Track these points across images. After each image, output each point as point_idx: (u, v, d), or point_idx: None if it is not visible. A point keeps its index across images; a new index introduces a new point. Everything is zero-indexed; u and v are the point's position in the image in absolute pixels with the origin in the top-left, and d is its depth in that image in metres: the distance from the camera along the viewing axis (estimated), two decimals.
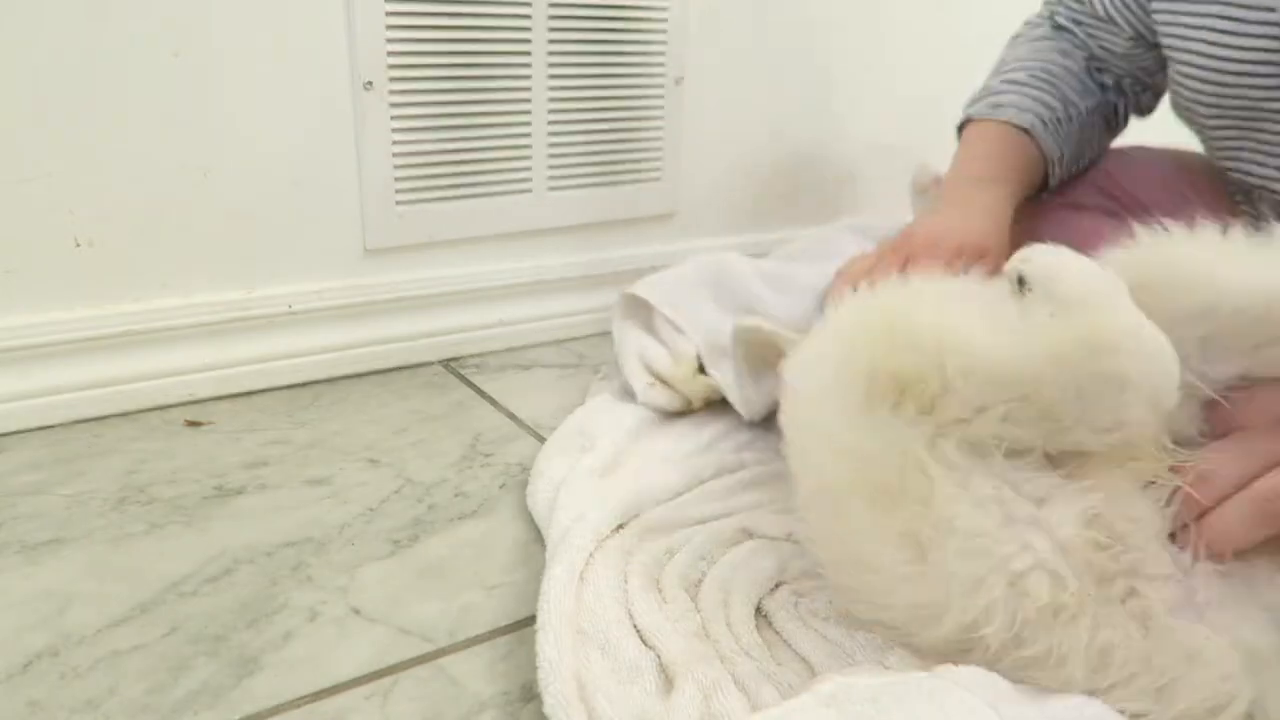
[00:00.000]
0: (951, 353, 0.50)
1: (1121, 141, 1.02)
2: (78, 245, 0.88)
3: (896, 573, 0.52)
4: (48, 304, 0.88)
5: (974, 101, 0.95)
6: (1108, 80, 0.94)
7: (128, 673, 0.58)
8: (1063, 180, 0.94)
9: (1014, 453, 0.51)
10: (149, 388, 0.92)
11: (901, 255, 0.78)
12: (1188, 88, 0.81)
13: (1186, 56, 0.80)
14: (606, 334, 1.17)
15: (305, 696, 0.56)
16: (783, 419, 0.62)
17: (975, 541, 0.49)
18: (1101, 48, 0.92)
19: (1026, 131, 0.89)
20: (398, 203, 1.02)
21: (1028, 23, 0.99)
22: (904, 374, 0.52)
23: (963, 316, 0.53)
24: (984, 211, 0.83)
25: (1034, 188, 0.91)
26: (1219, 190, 0.93)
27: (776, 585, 0.66)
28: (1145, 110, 0.97)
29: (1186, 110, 0.85)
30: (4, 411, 0.86)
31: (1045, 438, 0.50)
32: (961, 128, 0.95)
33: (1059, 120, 0.90)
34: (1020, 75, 0.92)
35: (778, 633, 0.61)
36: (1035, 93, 0.90)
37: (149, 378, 0.92)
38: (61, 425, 0.88)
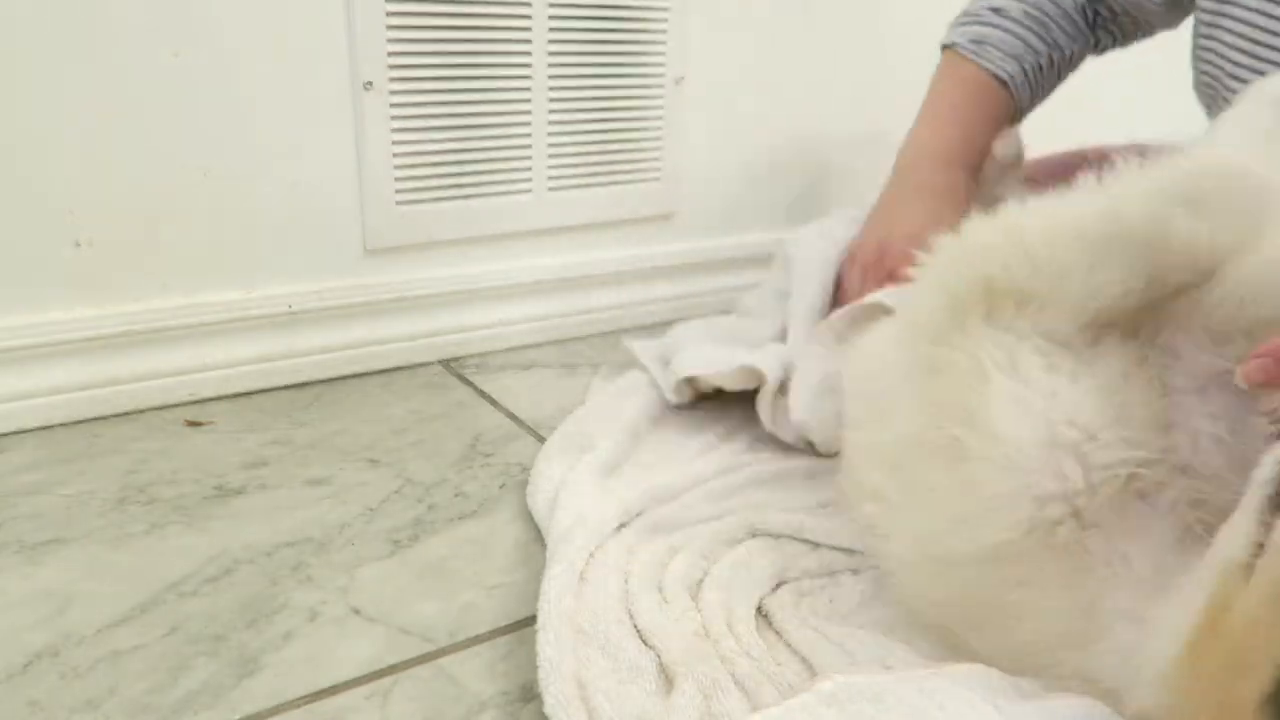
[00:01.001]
0: (1033, 230, 0.53)
1: (1119, 139, 1.02)
2: (78, 245, 0.88)
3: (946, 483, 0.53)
4: (48, 304, 0.87)
5: (961, 22, 0.92)
6: (1104, 12, 0.91)
7: (128, 673, 0.58)
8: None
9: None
10: (149, 388, 0.92)
11: (883, 270, 0.78)
12: (1223, 58, 0.79)
13: (1231, 25, 0.78)
14: (606, 334, 1.17)
15: (305, 696, 0.56)
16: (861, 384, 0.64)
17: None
18: None
19: (1005, 83, 0.88)
20: (398, 203, 1.02)
21: None
22: (992, 274, 0.53)
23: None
24: (951, 203, 0.83)
25: (995, 134, 0.92)
26: None
27: (777, 585, 0.65)
28: (1124, 44, 0.96)
29: (1211, 86, 0.82)
30: (4, 411, 0.86)
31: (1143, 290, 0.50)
32: (944, 47, 0.93)
33: (1040, 68, 0.89)
34: (1013, 9, 0.90)
35: (778, 633, 0.61)
36: (1024, 33, 0.88)
37: (149, 378, 0.92)
38: (61, 425, 0.88)
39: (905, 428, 0.57)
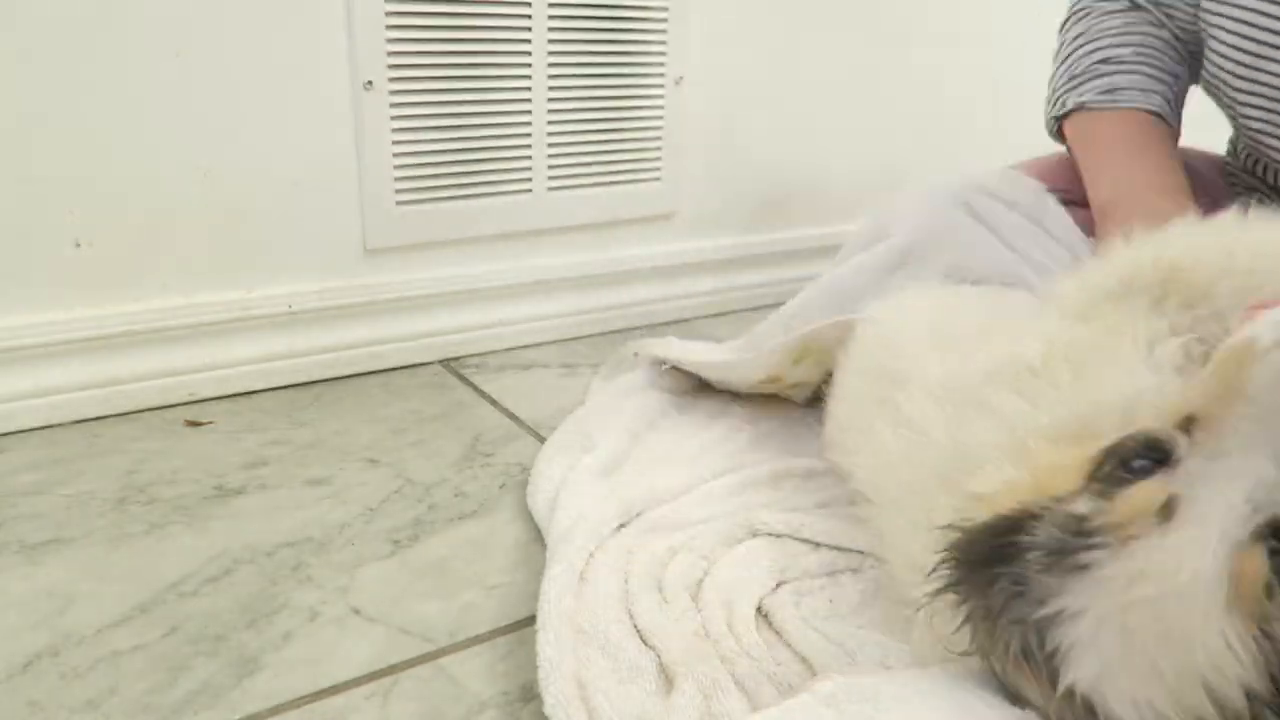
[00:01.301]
0: (1242, 239, 0.53)
1: None
2: (78, 245, 0.88)
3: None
4: (48, 304, 0.87)
5: (1073, 85, 0.87)
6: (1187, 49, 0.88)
7: (128, 673, 0.58)
8: None
9: None
10: (149, 388, 0.92)
11: None
12: (1225, 58, 0.79)
13: (1229, 25, 0.77)
14: (606, 334, 1.17)
15: (305, 696, 0.56)
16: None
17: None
18: (1171, 18, 0.86)
19: (1158, 115, 0.83)
20: (398, 203, 1.02)
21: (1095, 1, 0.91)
22: (1181, 262, 0.53)
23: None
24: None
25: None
26: (1221, 187, 0.93)
27: (777, 585, 0.65)
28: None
29: (1216, 87, 0.83)
30: (4, 411, 0.86)
31: None
32: (1062, 117, 0.87)
33: (1175, 98, 0.85)
34: (1124, 53, 0.85)
35: (778, 633, 0.61)
36: (1147, 69, 0.84)
37: (149, 378, 0.92)
38: (61, 425, 0.88)
39: (1005, 351, 0.57)
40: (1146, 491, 0.39)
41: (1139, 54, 0.85)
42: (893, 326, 0.73)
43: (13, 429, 0.86)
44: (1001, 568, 0.41)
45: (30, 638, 0.60)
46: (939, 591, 0.44)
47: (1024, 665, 0.41)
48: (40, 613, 0.63)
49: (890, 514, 0.59)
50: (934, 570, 0.44)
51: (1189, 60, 0.87)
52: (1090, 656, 0.39)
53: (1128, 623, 0.38)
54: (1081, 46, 0.88)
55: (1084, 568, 0.39)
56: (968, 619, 0.43)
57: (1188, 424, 0.40)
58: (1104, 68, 0.86)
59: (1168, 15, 0.86)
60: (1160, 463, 0.40)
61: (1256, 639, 0.36)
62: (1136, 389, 0.50)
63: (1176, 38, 0.87)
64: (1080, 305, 0.57)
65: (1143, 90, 0.84)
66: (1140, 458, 0.40)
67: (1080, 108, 0.85)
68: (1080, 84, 0.86)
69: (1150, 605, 0.37)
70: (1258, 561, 0.36)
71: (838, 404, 0.75)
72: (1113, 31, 0.86)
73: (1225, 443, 0.38)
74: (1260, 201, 0.89)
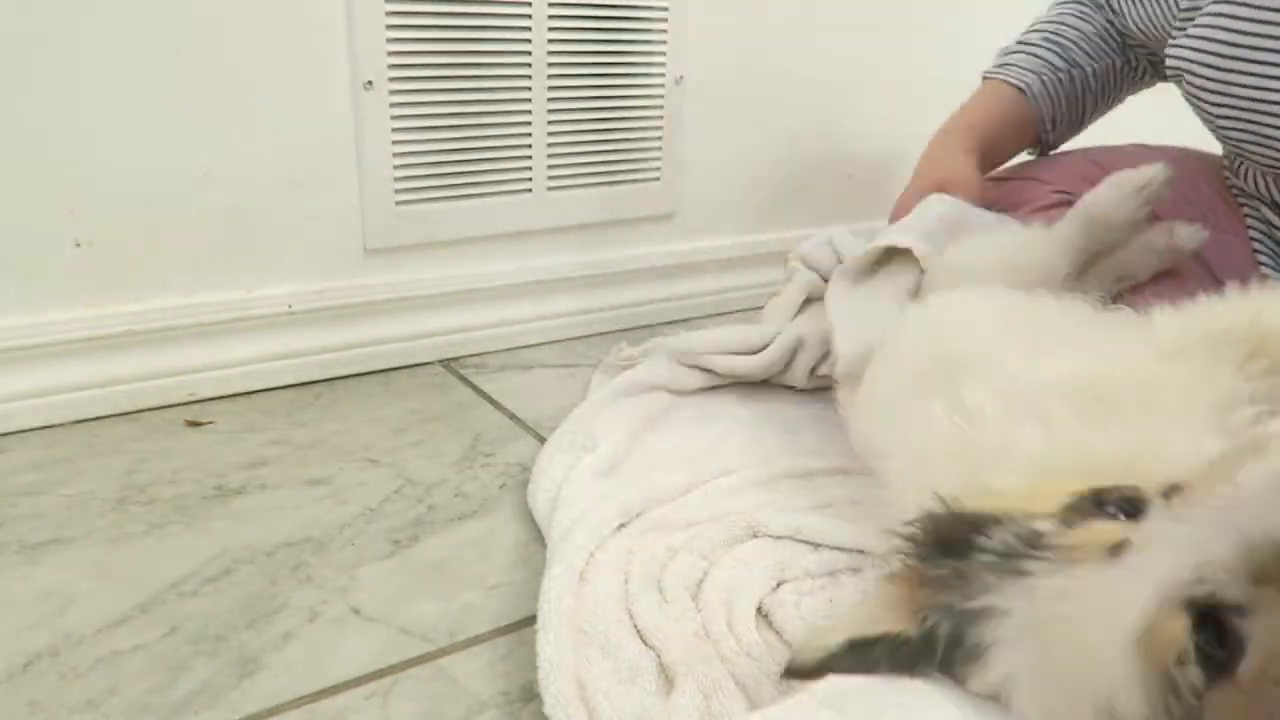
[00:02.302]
0: None
1: (1120, 140, 1.02)
2: (78, 245, 0.88)
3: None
4: (48, 304, 0.87)
5: (995, 59, 1.05)
6: (1132, 41, 0.99)
7: (128, 673, 0.58)
8: (1063, 134, 1.05)
9: None
10: (149, 388, 0.92)
11: (911, 196, 0.93)
12: (1194, 74, 0.81)
13: (1191, 42, 0.81)
14: (606, 334, 1.17)
15: (305, 696, 0.56)
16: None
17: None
18: (1118, 16, 0.97)
19: (1022, 90, 0.99)
20: (398, 203, 1.02)
21: None
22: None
23: None
24: (933, 162, 0.99)
25: (1021, 138, 1.04)
26: (1220, 189, 0.93)
27: (777, 585, 0.65)
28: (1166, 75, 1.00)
29: (1195, 104, 0.85)
30: (4, 411, 0.86)
31: None
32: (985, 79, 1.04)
33: (1060, 83, 0.99)
34: (1034, 37, 1.03)
35: (778, 633, 0.61)
36: (1043, 53, 1.00)
37: (149, 378, 0.92)
38: (61, 425, 0.88)
39: (1076, 364, 0.58)
40: (1104, 528, 0.41)
41: (1046, 39, 1.01)
42: (957, 316, 0.73)
43: (13, 429, 0.87)
44: (948, 559, 0.44)
45: (30, 638, 0.60)
46: (897, 555, 0.47)
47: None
48: (40, 613, 0.63)
49: (902, 491, 0.59)
50: (903, 535, 0.47)
51: (1124, 51, 1.01)
52: (1007, 656, 0.42)
53: (1046, 634, 0.40)
54: (1027, 29, 1.05)
55: (1022, 574, 0.41)
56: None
57: (1172, 491, 0.42)
58: (1015, 46, 1.04)
59: (1114, 12, 0.99)
60: (1131, 515, 0.42)
61: (1155, 682, 0.37)
62: (1207, 453, 0.49)
63: (1111, 34, 1.00)
64: (1173, 345, 0.56)
65: (1022, 68, 1.00)
66: (1114, 505, 0.43)
67: (985, 75, 1.05)
68: (998, 57, 1.05)
69: (1069, 623, 0.39)
70: (1177, 627, 0.36)
71: (878, 386, 0.74)
72: (1045, 19, 1.04)
73: (1196, 515, 0.39)
74: (1257, 211, 0.89)
